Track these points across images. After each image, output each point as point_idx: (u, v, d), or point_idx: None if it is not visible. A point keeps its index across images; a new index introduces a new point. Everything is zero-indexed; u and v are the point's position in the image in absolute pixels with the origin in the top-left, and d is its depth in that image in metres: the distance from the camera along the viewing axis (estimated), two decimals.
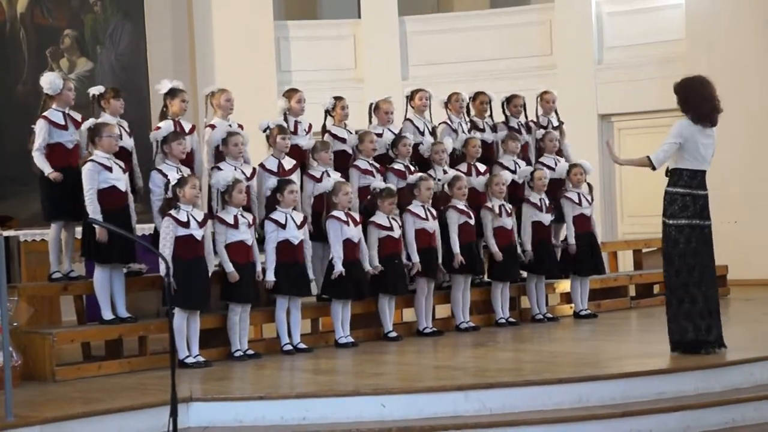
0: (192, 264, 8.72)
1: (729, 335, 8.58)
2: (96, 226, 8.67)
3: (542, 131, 11.48)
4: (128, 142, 9.40)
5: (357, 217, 9.76)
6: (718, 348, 8.37)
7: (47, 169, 8.96)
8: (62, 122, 9.11)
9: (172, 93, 9.55)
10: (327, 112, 10.53)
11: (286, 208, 9.34)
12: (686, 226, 8.35)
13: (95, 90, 9.45)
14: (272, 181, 9.45)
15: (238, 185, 9.03)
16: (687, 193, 8.35)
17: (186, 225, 8.70)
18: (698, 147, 8.34)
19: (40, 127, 9.04)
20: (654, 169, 8.48)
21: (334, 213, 9.60)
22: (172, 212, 8.69)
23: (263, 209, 9.56)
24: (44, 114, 9.09)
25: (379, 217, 9.88)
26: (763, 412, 7.63)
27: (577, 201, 11.03)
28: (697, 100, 8.36)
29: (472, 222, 10.35)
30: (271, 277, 9.21)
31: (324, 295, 9.87)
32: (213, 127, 9.69)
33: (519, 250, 10.71)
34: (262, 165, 9.71)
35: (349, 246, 9.60)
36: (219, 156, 9.58)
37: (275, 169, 9.67)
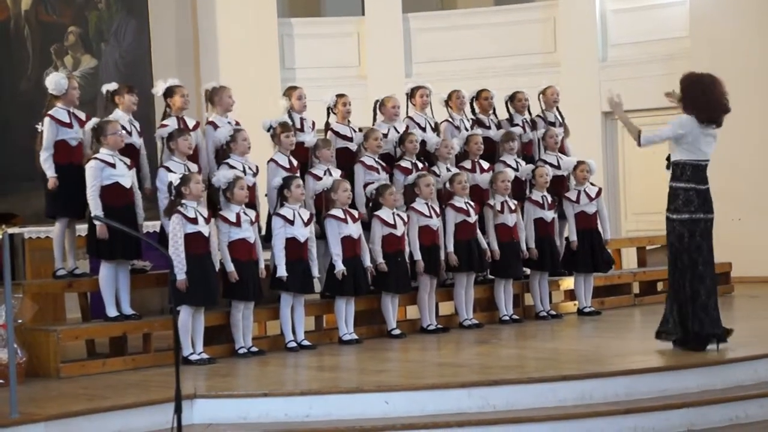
0: (202, 260, 8.74)
1: (733, 332, 8.57)
2: (97, 223, 8.70)
3: (542, 130, 11.47)
4: (137, 140, 9.41)
5: (356, 214, 9.76)
6: (722, 342, 8.37)
7: (49, 173, 9.00)
8: (67, 120, 9.15)
9: (170, 91, 9.57)
10: (329, 110, 10.54)
11: (293, 203, 9.35)
12: (689, 221, 8.33)
13: (110, 87, 9.46)
14: (277, 180, 9.47)
15: (239, 182, 9.03)
16: (691, 188, 8.33)
17: (194, 221, 8.71)
18: (699, 141, 8.32)
19: (46, 126, 9.08)
20: (639, 144, 8.45)
21: (332, 212, 9.61)
22: (180, 209, 8.69)
23: (272, 205, 9.57)
24: (50, 113, 9.12)
25: (384, 213, 9.88)
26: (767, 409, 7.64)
27: (575, 199, 11.01)
28: (707, 102, 8.30)
29: (471, 220, 10.33)
30: (282, 272, 9.21)
31: (327, 293, 9.87)
32: (213, 124, 9.69)
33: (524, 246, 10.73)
34: (273, 160, 9.72)
35: (350, 243, 9.61)
36: (222, 154, 9.58)
37: (287, 165, 9.69)
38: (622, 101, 8.68)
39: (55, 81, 9.19)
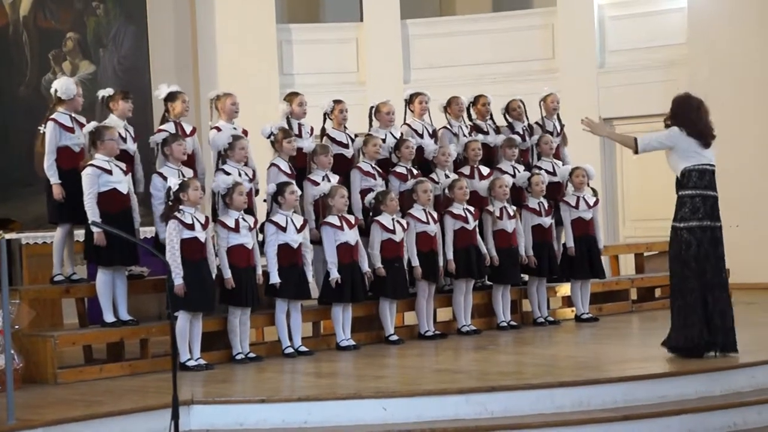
0: (198, 266, 8.73)
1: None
2: (95, 230, 8.69)
3: (536, 136, 11.46)
4: (131, 146, 9.40)
5: (352, 220, 9.76)
6: (729, 352, 8.34)
7: (53, 180, 8.98)
8: (70, 125, 9.15)
9: (172, 96, 9.58)
10: (326, 115, 10.55)
11: (287, 210, 9.35)
12: (697, 228, 8.31)
13: (104, 92, 9.47)
14: (271, 186, 9.46)
15: (239, 188, 9.04)
16: (697, 194, 8.31)
17: (191, 227, 8.72)
18: (693, 146, 8.31)
19: (49, 130, 9.06)
20: (636, 152, 8.46)
21: (328, 219, 9.61)
22: (177, 215, 8.69)
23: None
24: (53, 117, 9.11)
25: (384, 218, 9.88)
26: (766, 416, 7.63)
27: (574, 205, 11.01)
28: (683, 121, 8.32)
29: (470, 226, 10.32)
30: (275, 279, 9.21)
31: (324, 299, 9.86)
32: (219, 129, 9.70)
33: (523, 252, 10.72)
34: (275, 165, 9.71)
35: (346, 249, 9.60)
36: (222, 159, 9.58)
37: (288, 171, 9.69)
38: (594, 119, 8.72)
39: (66, 86, 9.17)
